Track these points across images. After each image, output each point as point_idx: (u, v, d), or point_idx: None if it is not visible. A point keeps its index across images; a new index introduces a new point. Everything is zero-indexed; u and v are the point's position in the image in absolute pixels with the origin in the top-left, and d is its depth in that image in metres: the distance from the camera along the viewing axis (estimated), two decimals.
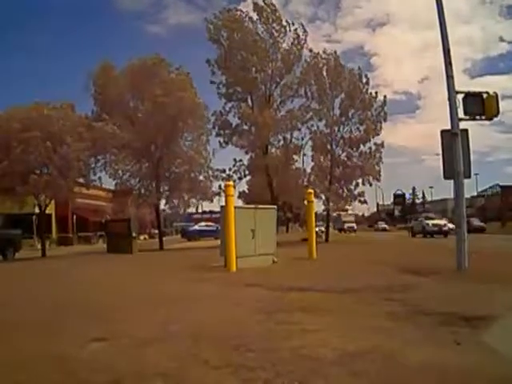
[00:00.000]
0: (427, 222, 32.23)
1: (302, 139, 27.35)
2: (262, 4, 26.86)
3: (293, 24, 27.46)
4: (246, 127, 27.21)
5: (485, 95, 9.15)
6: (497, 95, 9.24)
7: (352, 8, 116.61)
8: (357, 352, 3.49)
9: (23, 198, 23.62)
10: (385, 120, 26.21)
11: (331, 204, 26.32)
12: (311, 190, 15.55)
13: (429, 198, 79.80)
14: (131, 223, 23.01)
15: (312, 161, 26.65)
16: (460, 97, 9.08)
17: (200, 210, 46.36)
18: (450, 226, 28.43)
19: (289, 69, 27.07)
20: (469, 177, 9.39)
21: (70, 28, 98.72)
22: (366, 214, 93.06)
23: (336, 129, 26.16)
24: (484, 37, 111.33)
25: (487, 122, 9.71)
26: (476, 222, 37.57)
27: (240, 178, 27.83)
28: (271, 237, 12.42)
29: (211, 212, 51.69)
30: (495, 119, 9.45)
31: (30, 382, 3.21)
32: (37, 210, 25.79)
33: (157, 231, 31.65)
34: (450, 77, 9.12)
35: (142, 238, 44.64)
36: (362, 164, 25.58)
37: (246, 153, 27.76)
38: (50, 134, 22.11)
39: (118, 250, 21.44)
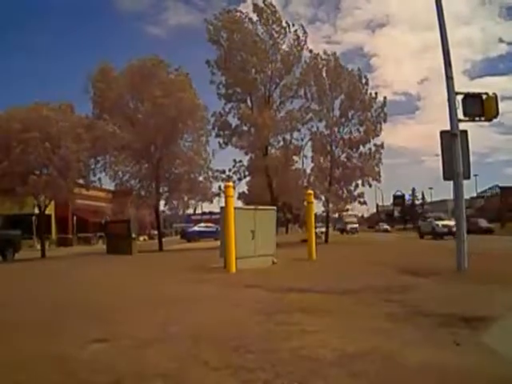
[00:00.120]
0: (437, 222, 30.19)
1: (302, 140, 27.40)
2: (262, 5, 26.90)
3: (293, 25, 27.52)
4: (245, 128, 27.21)
5: (484, 96, 9.16)
6: (496, 96, 9.25)
7: (352, 9, 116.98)
8: (356, 353, 3.50)
9: (23, 198, 23.62)
10: (385, 121, 26.24)
11: (331, 205, 26.34)
12: (311, 191, 15.56)
13: (428, 199, 79.79)
14: (131, 224, 22.99)
15: (312, 162, 26.72)
16: (459, 98, 9.09)
17: (200, 211, 46.33)
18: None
19: (288, 70, 27.08)
20: (468, 178, 9.40)
21: (70, 28, 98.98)
22: (366, 215, 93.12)
23: (336, 130, 26.18)
24: (484, 38, 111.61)
25: (487, 123, 9.74)
26: (483, 223, 36.75)
27: (240, 179, 27.86)
28: (271, 238, 12.42)
29: (211, 213, 51.68)
30: (495, 120, 9.49)
31: (30, 383, 3.22)
32: (36, 211, 25.80)
33: (156, 232, 31.62)
34: (449, 78, 9.13)
35: (141, 239, 44.64)
36: (361, 165, 25.60)
37: (246, 154, 27.78)
38: (48, 135, 22.12)
39: (117, 250, 21.43)
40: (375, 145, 25.99)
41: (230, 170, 27.06)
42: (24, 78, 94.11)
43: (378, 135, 25.87)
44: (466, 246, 8.81)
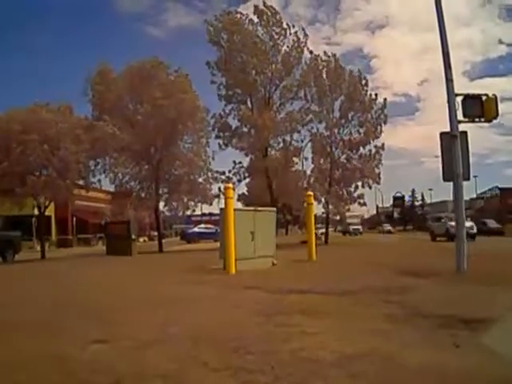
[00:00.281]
0: (452, 223, 28.14)
1: (302, 141, 27.44)
2: (263, 7, 26.95)
3: (293, 27, 27.59)
4: (245, 129, 27.23)
5: (484, 97, 9.17)
6: (496, 97, 9.26)
7: (351, 10, 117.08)
8: (356, 354, 3.50)
9: (22, 199, 23.64)
10: (385, 123, 26.33)
11: (331, 206, 26.36)
12: (311, 193, 15.57)
13: (428, 200, 79.73)
14: (131, 225, 22.99)
15: (312, 163, 26.75)
16: (459, 99, 9.09)
17: (199, 213, 46.30)
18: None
19: (288, 71, 27.11)
20: (468, 179, 9.41)
21: (70, 28, 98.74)
22: (366, 217, 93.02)
23: (336, 131, 26.22)
24: (483, 39, 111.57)
25: (486, 124, 9.75)
26: (492, 224, 36.06)
27: (239, 181, 27.89)
28: (271, 239, 12.43)
29: (210, 214, 51.59)
30: (494, 121, 9.50)
31: (30, 383, 3.22)
32: (36, 212, 25.80)
33: (156, 233, 31.62)
34: (449, 79, 9.14)
35: (141, 240, 44.59)
36: (361, 166, 25.64)
37: (246, 155, 27.80)
38: (47, 137, 22.15)
39: (117, 252, 21.42)
40: (375, 146, 26.07)
41: (229, 172, 27.13)
42: (24, 78, 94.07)
43: (377, 137, 25.95)
44: (466, 246, 8.82)
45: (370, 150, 25.98)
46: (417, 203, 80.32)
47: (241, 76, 26.57)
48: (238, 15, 27.29)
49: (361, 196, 26.89)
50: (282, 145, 27.73)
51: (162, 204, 26.96)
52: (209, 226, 41.52)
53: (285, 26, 27.18)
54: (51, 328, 4.93)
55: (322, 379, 3.00)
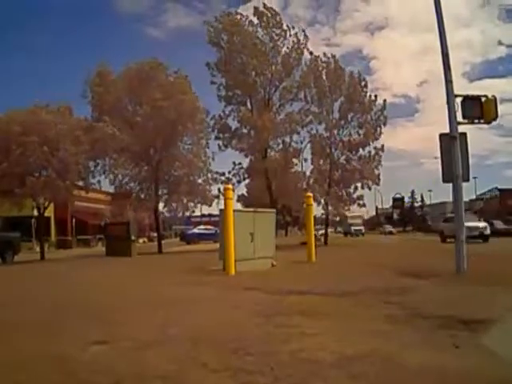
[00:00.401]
0: (467, 223, 25.86)
1: (302, 143, 27.50)
2: (262, 9, 26.99)
3: (293, 28, 27.65)
4: (245, 130, 27.27)
5: (483, 99, 9.17)
6: (495, 99, 9.26)
7: (351, 11, 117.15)
8: (355, 355, 3.50)
9: (22, 200, 23.62)
10: (384, 124, 26.35)
11: (330, 208, 26.36)
12: (310, 194, 15.58)
13: (428, 202, 79.77)
14: (130, 226, 22.99)
15: (311, 164, 26.77)
16: (459, 100, 9.10)
17: (199, 214, 46.30)
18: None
19: (288, 72, 27.17)
20: (467, 180, 9.41)
21: (70, 28, 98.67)
22: (365, 218, 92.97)
23: (335, 132, 26.24)
24: (483, 40, 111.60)
25: (486, 126, 9.76)
26: (500, 225, 35.22)
27: (239, 182, 27.96)
28: (270, 240, 12.43)
29: (210, 215, 51.60)
30: (494, 123, 9.49)
31: (30, 383, 3.22)
32: (36, 213, 25.78)
33: (156, 234, 31.63)
34: (448, 81, 9.15)
35: (140, 241, 44.58)
36: (360, 168, 25.64)
37: (246, 156, 27.84)
38: (47, 138, 22.15)
39: (116, 253, 21.41)
40: (375, 148, 26.11)
41: (229, 173, 27.19)
42: (23, 78, 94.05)
43: (377, 138, 25.98)
44: (465, 247, 8.83)
45: (370, 152, 26.03)
46: (416, 204, 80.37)
47: (240, 77, 26.60)
48: (238, 16, 27.39)
49: (360, 197, 26.93)
50: (281, 146, 27.81)
51: (161, 205, 27.00)
52: (208, 227, 41.53)
53: (285, 27, 27.27)
54: (51, 328, 4.94)
55: (322, 380, 3.00)
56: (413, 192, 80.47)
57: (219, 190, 25.42)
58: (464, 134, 9.35)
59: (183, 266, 13.71)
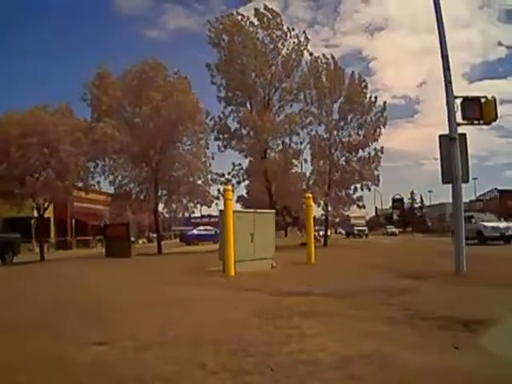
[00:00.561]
0: (486, 224, 23.35)
1: (301, 144, 27.48)
2: (263, 10, 27.03)
3: (293, 29, 27.68)
4: (245, 131, 27.27)
5: (483, 100, 9.19)
6: (495, 100, 9.28)
7: (351, 12, 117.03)
8: (355, 356, 3.50)
9: (21, 200, 23.59)
10: (384, 125, 26.33)
11: (330, 208, 26.37)
12: (310, 195, 15.58)
13: (428, 203, 79.88)
14: (130, 227, 22.98)
15: (311, 165, 26.78)
16: (458, 101, 9.11)
17: (199, 214, 46.32)
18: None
19: (288, 74, 27.18)
20: (467, 181, 9.42)
21: (70, 29, 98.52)
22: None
23: (335, 133, 26.26)
24: (483, 41, 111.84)
25: (486, 127, 9.78)
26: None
27: (239, 183, 27.93)
28: (270, 241, 12.43)
29: (210, 216, 51.61)
30: (494, 123, 9.52)
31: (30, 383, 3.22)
32: (35, 214, 25.77)
33: (155, 235, 31.61)
34: (448, 82, 9.17)
35: (140, 242, 44.58)
36: (360, 169, 25.65)
37: (245, 157, 27.85)
38: (47, 139, 22.12)
39: (116, 254, 21.38)
40: (375, 149, 26.10)
41: (229, 174, 27.16)
42: (23, 78, 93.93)
43: (376, 139, 25.97)
44: (464, 248, 8.85)
45: (369, 153, 26.04)
46: (416, 205, 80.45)
47: (241, 78, 26.61)
48: (239, 17, 27.37)
49: (360, 198, 26.98)
50: (281, 147, 27.84)
51: (161, 206, 26.98)
52: (208, 227, 41.51)
53: (285, 29, 27.29)
54: (51, 328, 4.94)
55: (322, 381, 3.01)
56: (412, 193, 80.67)
57: (219, 190, 25.43)
58: (464, 135, 9.36)
59: (183, 266, 13.71)
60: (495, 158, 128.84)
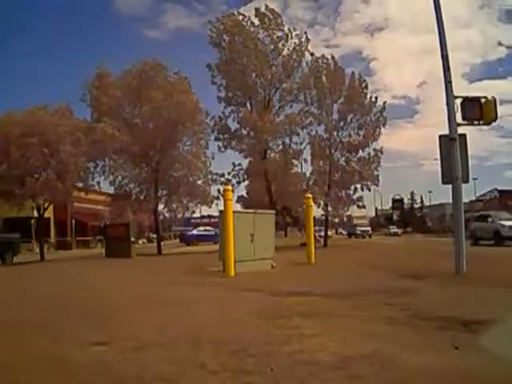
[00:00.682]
0: (504, 222, 21.85)
1: (301, 144, 27.47)
2: (264, 10, 27.03)
3: (294, 30, 27.70)
4: (245, 132, 27.26)
5: (483, 100, 9.19)
6: (495, 100, 9.28)
7: (351, 13, 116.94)
8: (355, 356, 3.50)
9: (21, 200, 23.57)
10: (384, 125, 26.34)
11: (330, 209, 26.37)
12: (310, 195, 15.58)
13: (428, 203, 79.88)
14: (130, 228, 22.98)
15: (311, 165, 26.78)
16: (458, 102, 9.12)
17: (199, 215, 46.32)
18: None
19: (289, 74, 27.18)
20: (467, 181, 9.42)
21: (70, 29, 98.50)
22: None
23: (335, 133, 26.26)
24: (483, 41, 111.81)
25: (486, 127, 9.79)
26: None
27: (239, 183, 27.91)
28: (270, 241, 12.43)
29: (210, 216, 51.62)
30: (494, 124, 9.52)
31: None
32: (35, 214, 25.76)
33: (155, 236, 31.62)
34: (448, 82, 9.17)
35: (140, 242, 44.57)
36: (360, 169, 25.64)
37: (245, 157, 27.83)
38: (47, 140, 22.12)
39: (116, 254, 21.37)
40: (374, 149, 26.10)
41: (229, 174, 27.13)
42: (23, 78, 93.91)
43: (376, 139, 25.98)
44: (464, 248, 8.85)
45: (369, 153, 26.04)
46: (416, 206, 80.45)
47: (241, 78, 26.60)
48: (240, 17, 27.35)
49: (360, 198, 26.98)
50: (281, 147, 27.81)
51: (161, 206, 26.95)
52: (208, 228, 41.50)
53: (286, 30, 27.30)
54: (51, 328, 4.95)
55: (322, 381, 3.00)
56: (412, 193, 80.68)
57: (219, 191, 25.41)
58: (463, 136, 9.36)
59: (183, 267, 13.71)
60: (495, 158, 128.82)
